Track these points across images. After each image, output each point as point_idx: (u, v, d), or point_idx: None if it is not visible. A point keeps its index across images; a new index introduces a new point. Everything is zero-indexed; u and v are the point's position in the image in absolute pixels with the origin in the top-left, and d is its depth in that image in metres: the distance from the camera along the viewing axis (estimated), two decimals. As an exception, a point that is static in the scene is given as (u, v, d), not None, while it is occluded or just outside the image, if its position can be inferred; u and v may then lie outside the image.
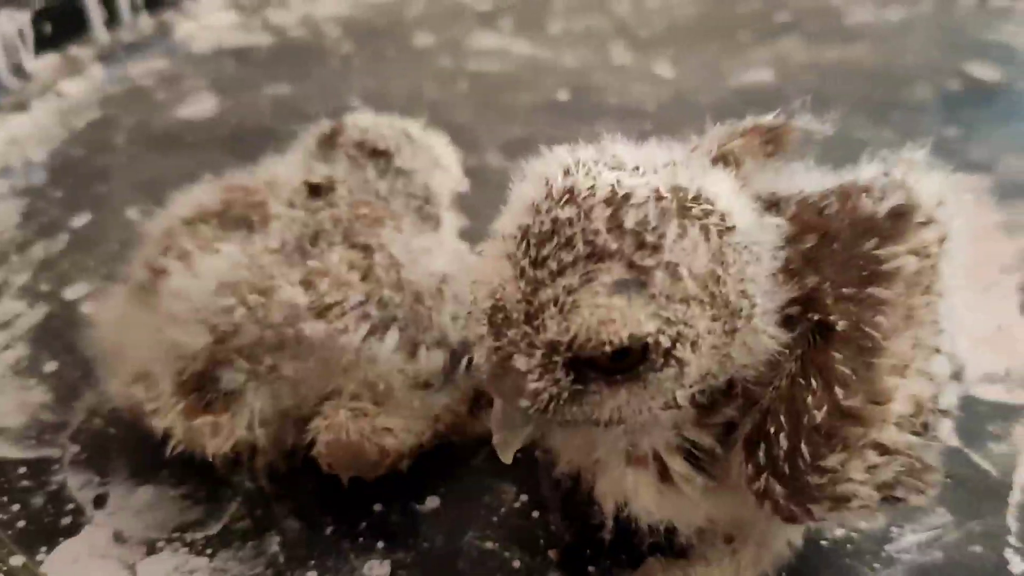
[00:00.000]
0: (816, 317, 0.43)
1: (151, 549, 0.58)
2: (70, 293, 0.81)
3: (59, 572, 0.57)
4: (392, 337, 0.58)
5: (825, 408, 0.42)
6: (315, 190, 0.64)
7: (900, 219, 0.46)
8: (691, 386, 0.41)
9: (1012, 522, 0.59)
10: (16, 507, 0.61)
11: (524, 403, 0.41)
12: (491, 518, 0.60)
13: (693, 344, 0.40)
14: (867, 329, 0.43)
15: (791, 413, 0.42)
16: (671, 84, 1.17)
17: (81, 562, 0.58)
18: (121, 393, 0.60)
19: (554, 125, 1.08)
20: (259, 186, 0.64)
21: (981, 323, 0.73)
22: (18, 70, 1.17)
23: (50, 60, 1.21)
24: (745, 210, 0.43)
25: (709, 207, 0.40)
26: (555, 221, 0.39)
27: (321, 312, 0.57)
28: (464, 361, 0.61)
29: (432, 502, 0.61)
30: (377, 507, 0.61)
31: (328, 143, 0.69)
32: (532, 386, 0.40)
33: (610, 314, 0.38)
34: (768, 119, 0.51)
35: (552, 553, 0.58)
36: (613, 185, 0.40)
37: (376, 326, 0.58)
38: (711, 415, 0.45)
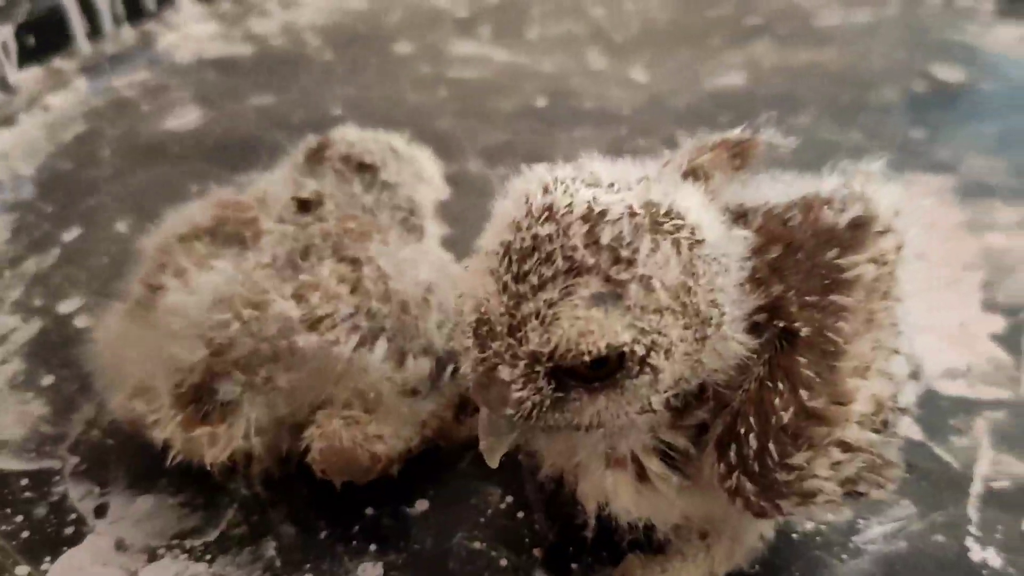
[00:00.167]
0: (782, 324, 0.45)
1: (152, 556, 0.59)
2: (63, 307, 0.81)
3: (63, 581, 0.58)
4: (381, 347, 0.60)
5: (791, 409, 0.44)
6: (304, 205, 0.66)
7: (859, 229, 0.48)
8: (665, 391, 0.43)
9: (973, 512, 0.61)
10: (20, 518, 0.62)
11: (509, 411, 0.42)
12: (478, 519, 0.62)
13: (667, 352, 0.41)
14: (829, 334, 0.45)
15: (759, 414, 0.44)
16: (645, 88, 1.19)
17: (84, 570, 0.59)
18: (122, 407, 0.62)
19: (533, 131, 1.10)
20: (250, 202, 0.66)
21: (944, 320, 0.77)
22: (3, 83, 1.17)
23: (34, 73, 1.22)
24: (714, 223, 0.44)
25: (680, 222, 0.42)
26: (535, 238, 0.41)
27: (313, 324, 0.58)
28: (449, 368, 0.63)
29: (422, 505, 0.63)
30: (369, 511, 0.62)
31: (315, 158, 0.70)
32: (516, 395, 0.42)
33: (588, 326, 0.39)
34: (735, 133, 0.53)
35: (537, 551, 0.59)
36: (590, 202, 0.41)
37: (366, 337, 0.59)
38: (685, 418, 0.46)
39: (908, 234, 0.52)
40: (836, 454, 0.45)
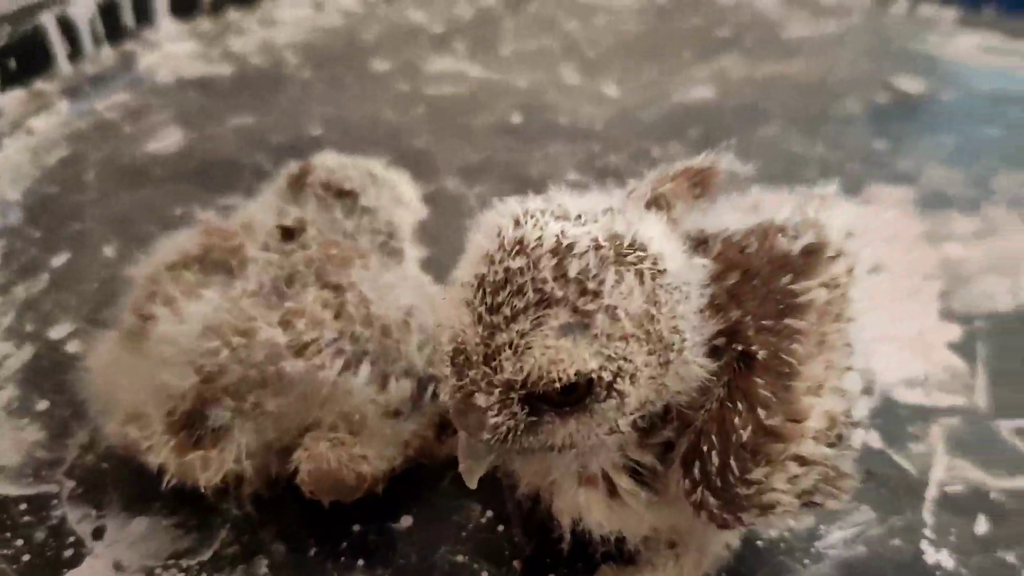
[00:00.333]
0: (740, 347, 0.47)
1: (149, 576, 0.61)
2: (54, 333, 0.82)
3: (65, 602, 0.60)
4: (364, 370, 0.61)
5: (750, 427, 0.46)
6: (288, 233, 0.67)
7: (812, 256, 0.50)
8: (632, 413, 0.45)
9: (928, 516, 0.64)
10: (20, 542, 0.63)
11: (486, 435, 0.44)
12: (460, 534, 0.64)
13: (632, 377, 0.43)
14: (784, 356, 0.47)
15: (720, 433, 0.46)
16: (616, 103, 1.21)
17: (84, 591, 0.60)
18: (116, 433, 0.63)
19: (509, 148, 1.11)
20: (235, 230, 0.67)
21: (905, 329, 0.80)
22: (-14, 107, 1.17)
23: (17, 95, 1.21)
24: (675, 253, 0.46)
25: (643, 253, 0.44)
26: (507, 271, 0.43)
27: (299, 350, 0.60)
28: (430, 389, 0.64)
29: (406, 521, 0.64)
30: (356, 528, 0.64)
31: (297, 184, 0.72)
32: (492, 420, 0.44)
33: (559, 354, 0.41)
34: (696, 161, 0.55)
35: (516, 563, 0.61)
36: (558, 235, 0.43)
37: (350, 361, 0.61)
38: (651, 437, 0.49)
39: (861, 253, 0.54)
40: (793, 468, 0.48)
